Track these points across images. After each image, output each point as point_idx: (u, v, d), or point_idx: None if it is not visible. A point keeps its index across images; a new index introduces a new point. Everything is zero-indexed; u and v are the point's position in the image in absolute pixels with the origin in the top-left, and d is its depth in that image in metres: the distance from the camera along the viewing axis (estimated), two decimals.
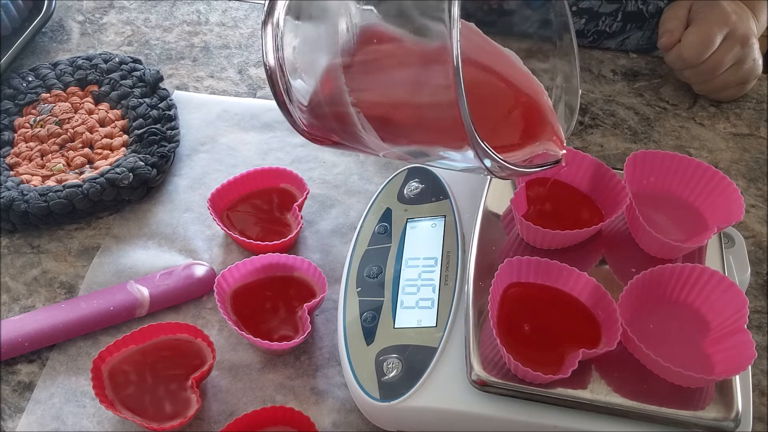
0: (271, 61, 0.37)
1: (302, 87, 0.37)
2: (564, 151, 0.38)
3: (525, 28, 0.41)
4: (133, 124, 0.55)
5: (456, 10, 0.29)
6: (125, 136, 0.55)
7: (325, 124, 0.38)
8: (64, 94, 0.58)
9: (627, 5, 0.67)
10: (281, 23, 0.37)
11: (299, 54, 0.37)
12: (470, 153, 0.32)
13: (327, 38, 0.35)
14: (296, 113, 0.39)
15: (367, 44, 0.34)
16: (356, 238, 0.46)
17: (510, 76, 0.38)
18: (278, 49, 0.37)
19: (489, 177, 0.45)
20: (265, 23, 0.37)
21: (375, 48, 0.34)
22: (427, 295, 0.41)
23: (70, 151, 0.54)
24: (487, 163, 0.32)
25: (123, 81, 0.58)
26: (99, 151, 0.54)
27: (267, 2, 0.37)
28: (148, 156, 0.53)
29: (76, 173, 0.53)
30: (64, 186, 0.51)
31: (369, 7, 0.33)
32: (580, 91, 0.40)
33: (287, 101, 0.38)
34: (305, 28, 0.37)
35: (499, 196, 0.44)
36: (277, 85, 0.38)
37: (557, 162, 0.37)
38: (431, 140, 0.35)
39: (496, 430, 0.37)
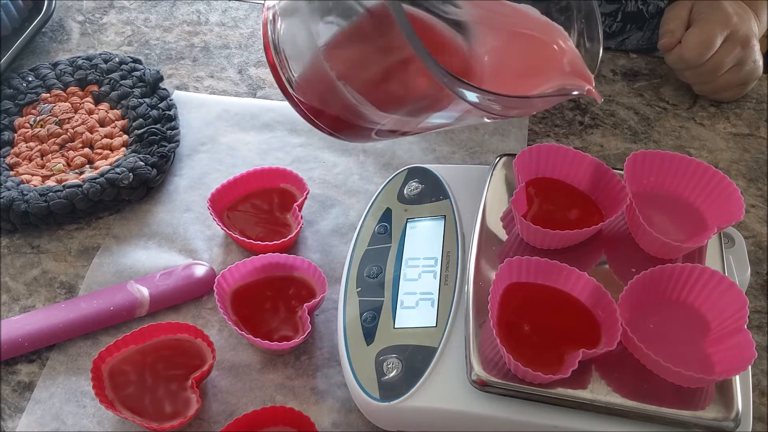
0: (270, 44, 0.39)
1: (298, 70, 0.38)
2: (589, 86, 0.37)
3: None
4: (133, 124, 0.56)
5: None
6: (125, 136, 0.55)
7: (324, 104, 0.39)
8: (64, 94, 0.58)
9: (627, 5, 0.67)
10: (277, 9, 0.38)
11: (290, 35, 0.38)
12: (455, 95, 0.32)
13: (308, 17, 0.37)
14: (293, 91, 0.40)
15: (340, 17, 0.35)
16: (356, 238, 0.46)
17: (526, 26, 0.39)
18: (275, 34, 0.38)
19: (490, 171, 0.45)
20: (265, 15, 0.39)
21: (352, 24, 0.35)
22: (427, 296, 0.41)
23: (70, 151, 0.54)
24: (471, 96, 0.33)
25: (123, 81, 0.58)
26: (99, 151, 0.54)
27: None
28: (148, 156, 0.53)
29: (76, 173, 0.53)
30: (64, 186, 0.51)
31: None
32: (601, 25, 0.39)
33: (288, 86, 0.39)
34: (292, 9, 0.38)
35: (499, 196, 0.44)
36: (277, 73, 0.39)
37: (583, 91, 0.37)
38: (413, 93, 0.36)
39: (496, 430, 0.37)
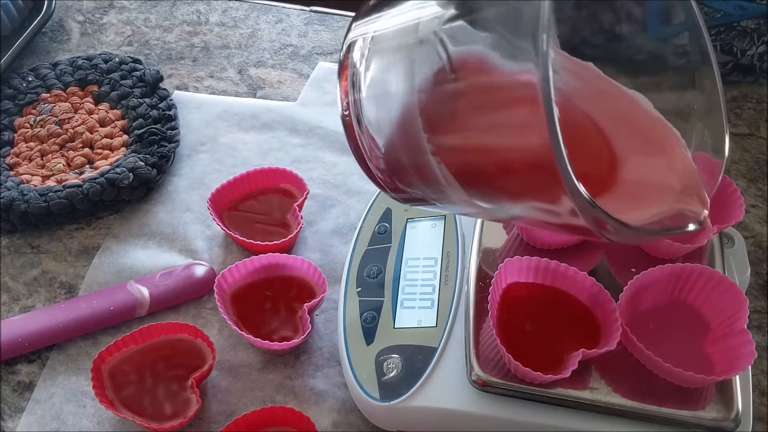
0: (347, 105, 0.33)
1: (378, 133, 0.33)
2: (706, 212, 0.31)
3: (643, 58, 0.36)
4: (133, 124, 0.56)
5: (545, 36, 0.23)
6: (125, 136, 0.55)
7: (403, 175, 0.34)
8: (64, 94, 0.58)
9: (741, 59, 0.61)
10: (358, 62, 0.33)
11: (374, 97, 0.33)
12: (568, 203, 0.26)
13: (402, 76, 0.31)
14: (372, 165, 0.35)
15: (447, 80, 0.29)
16: (356, 238, 0.46)
17: (635, 122, 0.33)
18: (355, 92, 0.33)
19: None
20: (342, 63, 0.34)
21: (456, 84, 0.29)
22: (427, 295, 0.41)
23: (70, 151, 0.54)
24: (588, 214, 0.27)
25: (123, 81, 0.58)
26: (99, 151, 0.54)
27: (344, 39, 0.34)
28: (148, 156, 0.53)
29: (76, 173, 0.53)
30: (64, 186, 0.51)
31: (451, 33, 0.29)
32: (728, 136, 0.32)
33: (363, 151, 0.34)
34: (381, 65, 0.32)
35: None
36: (352, 131, 0.34)
37: (698, 224, 0.31)
38: (527, 194, 0.29)
39: (496, 430, 0.37)
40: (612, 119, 0.33)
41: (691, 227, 0.30)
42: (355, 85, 0.33)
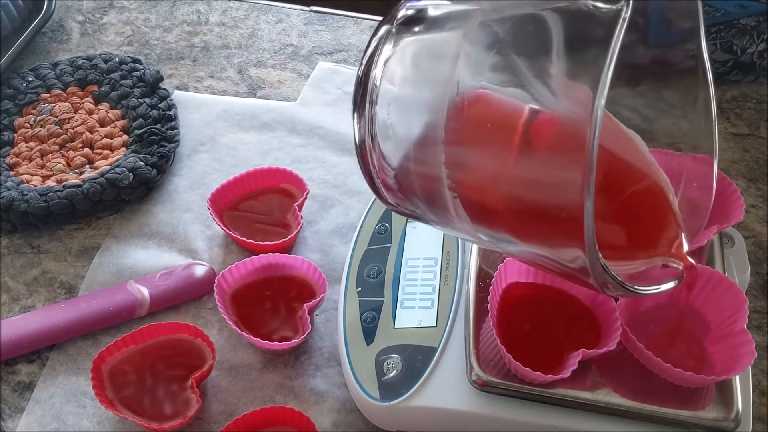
0: (362, 122, 0.33)
1: (392, 153, 0.32)
2: (683, 264, 0.32)
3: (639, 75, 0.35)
4: (133, 124, 0.56)
5: (602, 101, 0.23)
6: (125, 136, 0.55)
7: (410, 196, 0.33)
8: (64, 94, 0.58)
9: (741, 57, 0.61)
10: (378, 80, 0.32)
11: (394, 120, 0.32)
12: (580, 262, 0.26)
13: (430, 104, 0.30)
14: (378, 181, 0.34)
15: (479, 118, 0.28)
16: (356, 238, 0.46)
17: (635, 165, 0.33)
18: (372, 108, 0.32)
19: None
20: (361, 79, 0.32)
21: (490, 125, 0.28)
22: (427, 295, 0.41)
23: (70, 151, 0.54)
24: (600, 278, 0.27)
25: (123, 81, 0.58)
26: (99, 151, 0.54)
27: (365, 54, 0.33)
28: (148, 156, 0.53)
29: (76, 173, 0.53)
30: (64, 186, 0.51)
31: (485, 71, 0.28)
32: (715, 182, 0.32)
33: (372, 168, 0.34)
34: (406, 89, 0.32)
35: None
36: (366, 151, 0.33)
37: (679, 279, 0.31)
38: (537, 240, 0.30)
39: (496, 430, 0.37)
40: (616, 160, 0.33)
41: (671, 285, 0.32)
42: (372, 100, 0.32)
